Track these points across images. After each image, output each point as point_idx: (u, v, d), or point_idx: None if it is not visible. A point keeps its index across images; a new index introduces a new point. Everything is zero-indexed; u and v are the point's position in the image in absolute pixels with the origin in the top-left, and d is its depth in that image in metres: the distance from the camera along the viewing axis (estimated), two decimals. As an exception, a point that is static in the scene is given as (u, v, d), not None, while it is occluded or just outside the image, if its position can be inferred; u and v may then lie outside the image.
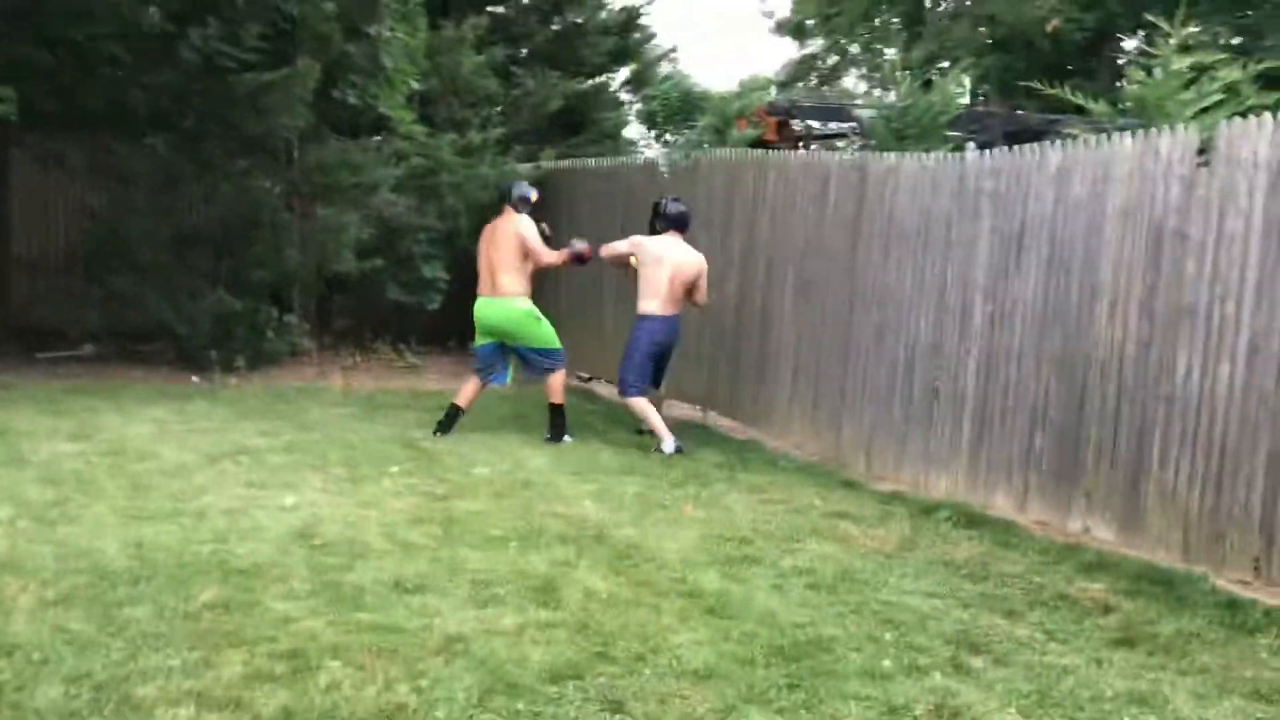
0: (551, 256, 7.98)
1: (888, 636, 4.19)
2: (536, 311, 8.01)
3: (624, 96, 16.45)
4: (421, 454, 7.08)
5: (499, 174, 11.45)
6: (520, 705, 3.42)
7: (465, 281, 12.44)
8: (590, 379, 11.07)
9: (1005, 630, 4.35)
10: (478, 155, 11.38)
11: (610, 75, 15.45)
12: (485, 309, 7.97)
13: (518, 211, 7.99)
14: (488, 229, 8.19)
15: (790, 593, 4.67)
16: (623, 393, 8.14)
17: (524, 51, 13.75)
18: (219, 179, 10.76)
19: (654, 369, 8.12)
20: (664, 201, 8.10)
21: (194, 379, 9.80)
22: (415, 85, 10.88)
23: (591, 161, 11.46)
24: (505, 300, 7.88)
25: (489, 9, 13.38)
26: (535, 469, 6.81)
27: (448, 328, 12.78)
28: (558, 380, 7.99)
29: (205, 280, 10.43)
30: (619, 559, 4.98)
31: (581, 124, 14.02)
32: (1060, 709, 3.64)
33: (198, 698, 3.35)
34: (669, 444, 7.67)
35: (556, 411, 7.92)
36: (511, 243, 7.87)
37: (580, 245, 8.13)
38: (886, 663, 3.92)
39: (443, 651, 3.79)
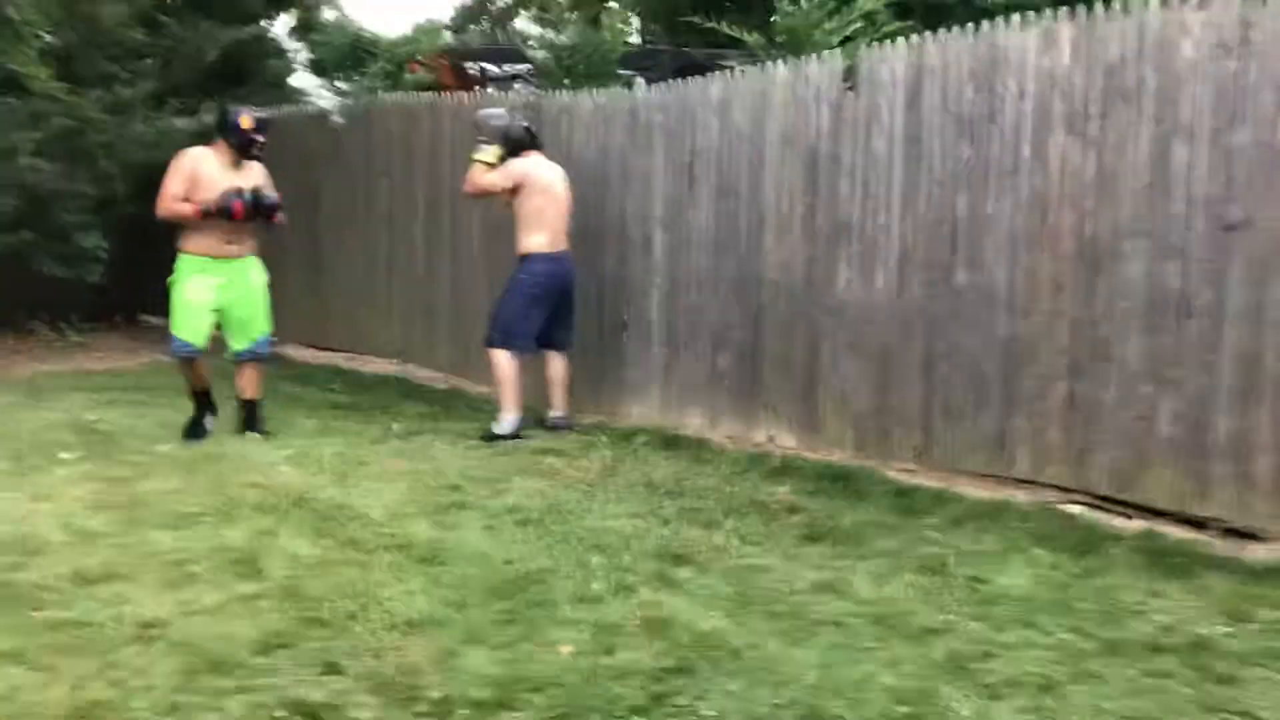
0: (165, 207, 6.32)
1: (595, 561, 4.32)
2: (177, 273, 6.42)
3: (288, 44, 15.69)
4: (98, 436, 6.57)
5: (155, 131, 10.65)
6: (228, 682, 3.28)
7: (128, 251, 11.61)
8: (276, 342, 10.62)
9: (704, 540, 4.59)
10: (130, 112, 10.53)
11: (270, 22, 14.66)
12: None
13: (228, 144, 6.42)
14: None
15: (501, 532, 4.71)
16: (487, 340, 6.72)
17: (172, -1, 12.80)
18: None
19: (546, 322, 6.70)
20: (514, 122, 6.73)
21: None
22: (48, 38, 9.92)
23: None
24: None
25: (125, -47, 12.33)
26: (225, 439, 6.48)
27: (114, 301, 11.87)
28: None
29: None
30: (323, 521, 4.84)
31: (244, 74, 13.23)
32: (758, 605, 3.89)
33: None
34: (506, 423, 6.53)
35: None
36: None
37: (235, 199, 6.24)
38: (596, 585, 4.04)
39: (137, 640, 3.57)
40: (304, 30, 15.90)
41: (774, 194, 6.22)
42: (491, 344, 6.70)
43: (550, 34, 13.26)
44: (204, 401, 6.60)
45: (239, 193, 6.25)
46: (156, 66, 11.93)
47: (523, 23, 30.48)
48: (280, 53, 14.74)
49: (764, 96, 6.24)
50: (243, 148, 6.39)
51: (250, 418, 6.67)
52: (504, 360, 6.64)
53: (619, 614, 3.79)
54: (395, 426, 6.83)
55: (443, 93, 9.10)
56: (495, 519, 4.89)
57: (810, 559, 4.38)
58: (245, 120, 6.37)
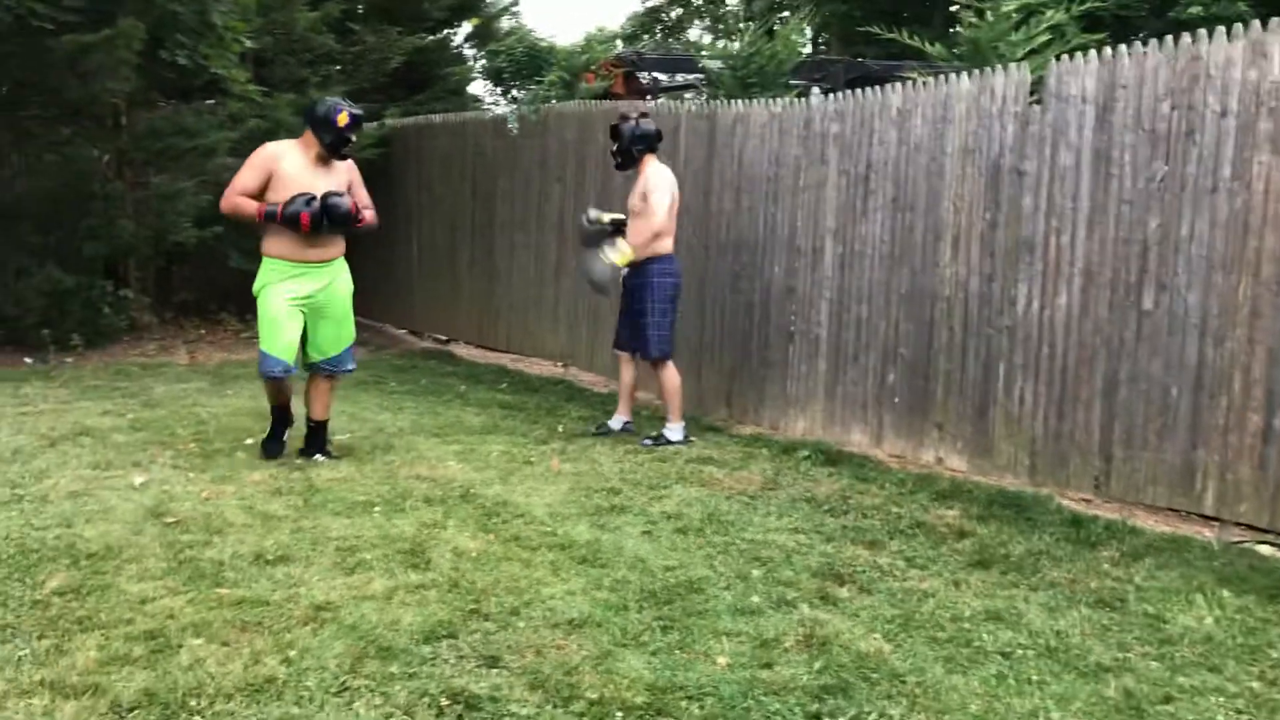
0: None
1: (756, 573, 4.27)
2: (260, 280, 5.91)
3: (468, 52, 16.17)
4: (277, 424, 6.87)
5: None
6: (394, 668, 3.36)
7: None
8: (448, 341, 10.94)
9: (868, 560, 4.49)
10: (319, 115, 11.01)
11: (452, 30, 15.15)
12: None
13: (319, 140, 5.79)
14: None
15: (660, 538, 4.71)
16: (646, 354, 6.71)
17: (361, 7, 13.35)
18: (41, 148, 10.18)
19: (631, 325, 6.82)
20: (648, 123, 6.83)
21: (27, 360, 9.30)
22: (248, 44, 10.46)
23: (438, 118, 11.24)
24: None
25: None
26: (396, 432, 6.70)
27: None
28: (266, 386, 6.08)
29: (33, 257, 9.87)
30: (487, 517, 4.94)
31: (425, 80, 13.72)
32: (923, 630, 3.77)
33: (51, 686, 3.19)
34: (678, 429, 6.61)
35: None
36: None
37: (303, 208, 5.62)
38: (756, 598, 4.00)
39: (310, 621, 3.70)
40: (482, 39, 16.38)
41: (952, 207, 6.06)
42: (653, 357, 6.70)
43: (723, 43, 13.25)
44: (282, 415, 6.12)
45: (307, 201, 5.61)
46: (344, 71, 12.46)
47: (695, 32, 30.68)
48: (460, 60, 15.21)
49: (945, 108, 6.09)
50: (335, 146, 5.74)
51: (316, 438, 6.09)
52: (670, 371, 6.69)
53: (778, 629, 3.73)
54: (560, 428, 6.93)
55: (617, 101, 9.20)
56: (654, 525, 4.90)
57: (978, 585, 4.23)
58: (342, 118, 5.66)
